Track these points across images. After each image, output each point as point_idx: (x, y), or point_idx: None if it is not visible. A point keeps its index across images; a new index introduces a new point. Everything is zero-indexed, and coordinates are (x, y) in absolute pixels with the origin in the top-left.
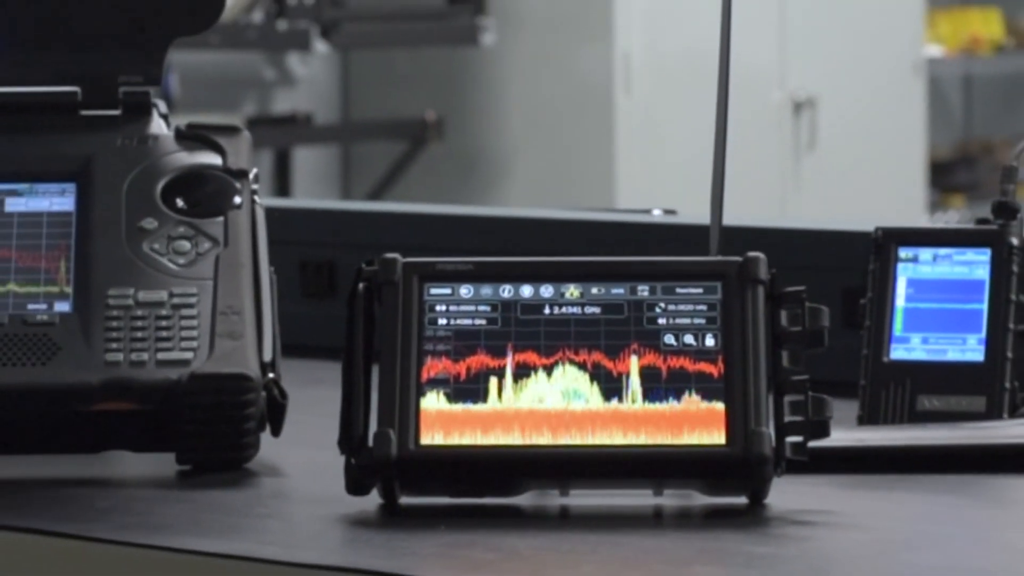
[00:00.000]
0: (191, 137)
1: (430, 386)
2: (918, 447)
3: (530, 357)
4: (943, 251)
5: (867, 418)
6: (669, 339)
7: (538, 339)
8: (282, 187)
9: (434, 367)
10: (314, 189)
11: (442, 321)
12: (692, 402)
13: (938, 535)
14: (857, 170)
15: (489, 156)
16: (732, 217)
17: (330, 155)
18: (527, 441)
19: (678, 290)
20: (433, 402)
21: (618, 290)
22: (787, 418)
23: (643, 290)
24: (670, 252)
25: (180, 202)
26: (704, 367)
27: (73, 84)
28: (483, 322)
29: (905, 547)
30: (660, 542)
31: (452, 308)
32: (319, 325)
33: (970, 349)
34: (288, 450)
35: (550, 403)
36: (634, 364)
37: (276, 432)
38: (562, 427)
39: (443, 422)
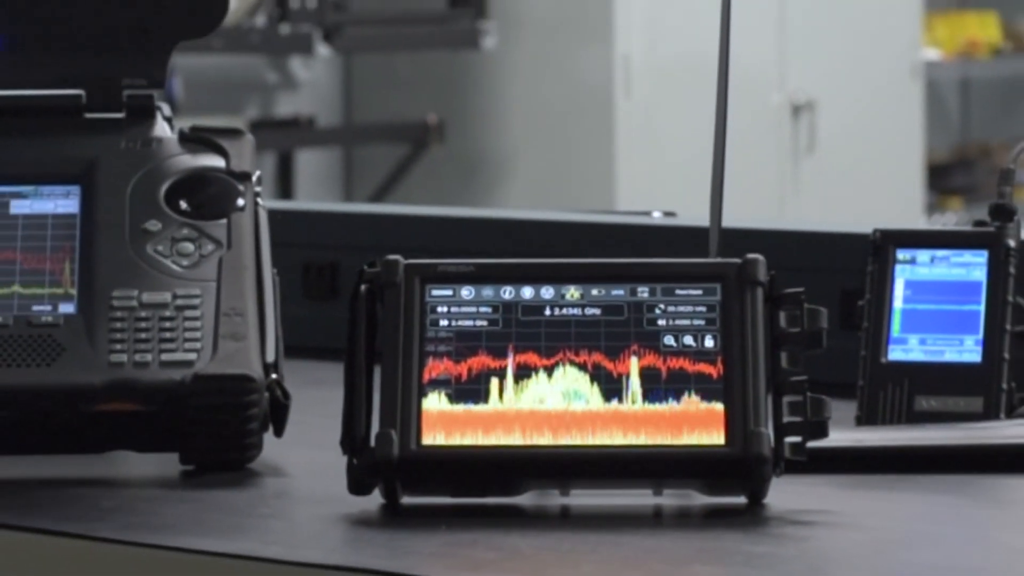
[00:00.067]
0: (194, 140)
1: (432, 387)
2: (916, 447)
3: (531, 358)
4: (941, 253)
5: (865, 419)
6: (669, 340)
7: (539, 340)
8: (285, 190)
9: (435, 368)
10: (317, 192)
11: (443, 322)
12: (691, 403)
13: (936, 535)
14: (855, 172)
15: (490, 158)
16: (731, 219)
17: (332, 158)
18: (528, 441)
19: (678, 291)
20: (435, 403)
21: (618, 291)
22: (786, 419)
23: (643, 291)
24: (670, 254)
25: (184, 204)
26: (703, 368)
27: (77, 87)
28: (484, 323)
29: (903, 547)
30: (660, 542)
31: (453, 309)
32: (322, 326)
33: (967, 350)
34: (291, 450)
35: (551, 404)
36: (634, 365)
37: (279, 432)
38: (562, 427)
39: (444, 422)
